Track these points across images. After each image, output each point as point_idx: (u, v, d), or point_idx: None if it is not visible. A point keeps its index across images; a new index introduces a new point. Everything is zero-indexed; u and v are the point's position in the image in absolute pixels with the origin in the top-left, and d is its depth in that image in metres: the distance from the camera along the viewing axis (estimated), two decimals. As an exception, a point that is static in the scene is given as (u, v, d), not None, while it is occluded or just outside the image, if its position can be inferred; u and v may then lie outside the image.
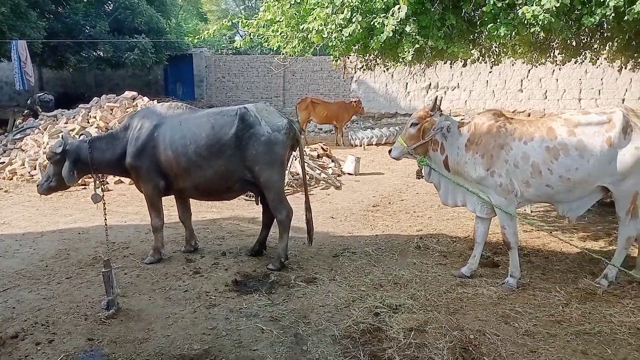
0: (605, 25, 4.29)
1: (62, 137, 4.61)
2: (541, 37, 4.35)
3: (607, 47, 7.41)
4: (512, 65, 13.33)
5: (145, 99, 10.37)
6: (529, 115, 16.07)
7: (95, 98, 10.77)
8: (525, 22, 3.74)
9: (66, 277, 4.43)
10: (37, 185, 4.85)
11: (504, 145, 3.91)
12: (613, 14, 3.53)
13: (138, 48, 17.45)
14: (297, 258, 4.81)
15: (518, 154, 3.87)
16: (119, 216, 6.51)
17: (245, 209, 6.96)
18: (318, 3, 4.35)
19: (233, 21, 5.75)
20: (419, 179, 4.53)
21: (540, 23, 3.73)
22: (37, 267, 4.69)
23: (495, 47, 6.08)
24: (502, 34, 3.98)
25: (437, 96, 4.36)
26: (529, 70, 15.50)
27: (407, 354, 3.07)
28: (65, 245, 5.28)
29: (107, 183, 7.81)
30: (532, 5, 3.65)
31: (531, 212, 6.45)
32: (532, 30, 3.93)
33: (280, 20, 4.82)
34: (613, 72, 15.31)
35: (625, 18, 3.38)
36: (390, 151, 4.35)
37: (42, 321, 3.56)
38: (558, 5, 3.65)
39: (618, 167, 3.72)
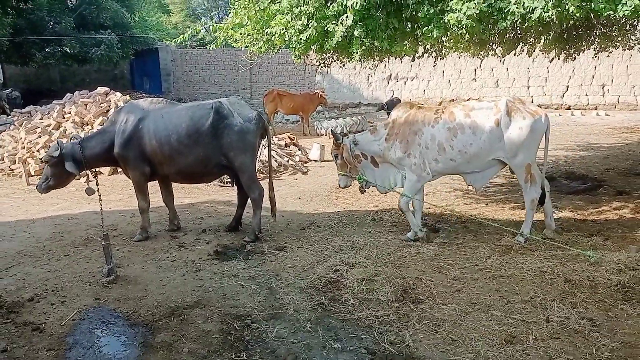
0: (514, 27, 5.09)
1: (57, 142, 5.15)
2: (467, 38, 5.15)
3: (541, 41, 8.33)
4: (459, 57, 14.25)
5: (118, 94, 10.80)
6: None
7: (69, 94, 11.13)
8: (452, 26, 4.53)
9: (64, 255, 5.02)
10: (37, 186, 5.35)
11: (417, 131, 4.84)
12: (520, 20, 4.36)
13: (104, 43, 17.70)
14: (269, 232, 5.53)
15: (428, 136, 4.80)
16: (104, 203, 7.02)
17: (220, 194, 7.62)
18: (279, 10, 5.03)
19: (205, 25, 6.34)
20: (363, 193, 5.69)
21: (464, 27, 4.54)
22: (36, 247, 5.25)
23: (437, 44, 6.89)
24: (435, 36, 4.78)
25: (330, 129, 5.34)
26: (482, 61, 16.53)
27: (359, 297, 3.84)
28: (58, 229, 5.84)
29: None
30: (456, 12, 4.43)
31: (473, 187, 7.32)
32: (459, 32, 4.74)
33: (247, 24, 5.48)
34: (558, 61, 16.61)
35: (526, 24, 4.22)
36: (339, 185, 5.42)
37: (51, 288, 4.17)
38: (478, 12, 4.46)
39: (507, 144, 4.62)
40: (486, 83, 17.34)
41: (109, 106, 10.08)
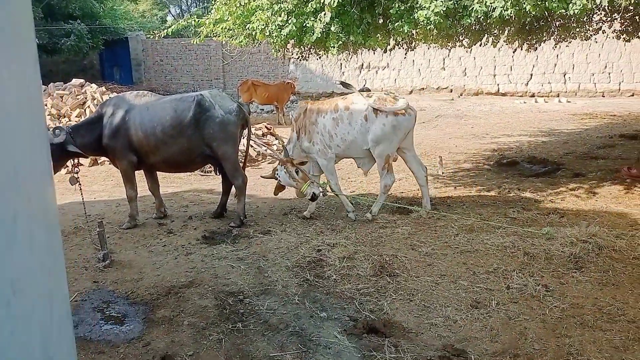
0: (478, 22, 5.50)
1: (54, 130, 5.27)
2: (435, 32, 5.53)
3: (505, 32, 8.79)
4: (429, 48, 14.66)
5: (94, 85, 10.83)
6: (451, 91, 17.71)
7: (43, 86, 11.08)
8: (421, 22, 4.90)
9: (56, 244, 5.21)
10: None
11: (314, 122, 5.48)
12: (482, 17, 4.75)
13: (74, 34, 17.44)
14: (253, 217, 5.84)
15: (321, 125, 5.45)
16: (87, 194, 7.15)
17: (202, 183, 7.87)
18: (259, 6, 5.30)
19: (188, 21, 6.55)
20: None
21: (432, 22, 4.91)
22: (27, 237, 5.42)
23: (407, 37, 7.25)
24: (406, 31, 5.13)
25: (260, 175, 5.96)
26: (450, 50, 17.03)
27: (341, 273, 4.21)
28: (46, 220, 6.00)
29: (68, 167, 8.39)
30: (425, 10, 4.79)
31: (442, 173, 7.80)
32: (427, 27, 5.11)
33: (228, 19, 5.72)
34: (522, 51, 17.25)
35: (488, 21, 4.62)
36: (311, 199, 5.52)
37: (49, 273, 4.39)
38: (444, 9, 4.83)
39: (371, 136, 5.28)
40: (454, 72, 17.88)
41: (85, 98, 10.13)
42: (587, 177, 7.13)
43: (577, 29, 8.73)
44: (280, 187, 5.87)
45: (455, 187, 6.89)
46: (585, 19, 8.38)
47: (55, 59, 21.93)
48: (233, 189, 5.75)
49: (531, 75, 17.29)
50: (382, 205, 5.75)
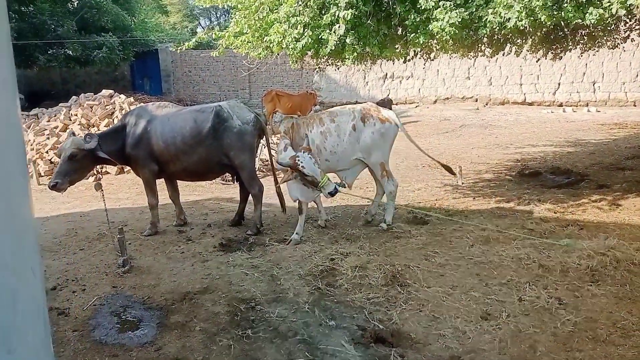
0: (494, 33, 5.47)
1: (85, 137, 5.43)
2: (451, 43, 5.54)
3: (529, 41, 8.69)
4: (450, 58, 14.59)
5: (122, 96, 11.19)
6: (476, 100, 17.53)
7: (74, 97, 11.51)
8: (436, 33, 4.92)
9: (80, 249, 5.41)
10: (54, 186, 5.24)
11: (303, 137, 5.42)
12: (498, 27, 4.74)
13: (106, 46, 18.04)
14: (270, 225, 5.93)
15: (310, 141, 5.35)
16: (113, 201, 7.46)
17: (223, 191, 8.01)
18: (277, 19, 5.42)
19: (208, 34, 6.76)
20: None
21: (447, 33, 4.92)
22: (53, 242, 5.64)
23: (425, 47, 7.26)
24: (421, 42, 5.16)
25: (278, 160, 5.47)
26: (475, 59, 16.86)
27: (353, 282, 4.24)
28: (72, 226, 6.23)
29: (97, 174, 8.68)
30: (440, 21, 4.81)
31: (462, 183, 7.74)
32: (443, 38, 5.12)
33: (247, 32, 5.87)
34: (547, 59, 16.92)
35: (503, 32, 4.61)
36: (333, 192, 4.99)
37: (71, 278, 4.57)
38: (460, 20, 4.84)
39: (362, 145, 5.27)
40: (480, 81, 17.70)
41: (114, 108, 10.46)
42: (611, 188, 6.96)
43: (604, 38, 8.57)
44: (285, 179, 5.20)
45: (474, 198, 6.83)
46: (612, 27, 8.23)
47: (88, 70, 22.70)
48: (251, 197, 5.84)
49: (559, 84, 16.97)
50: (396, 215, 5.74)
